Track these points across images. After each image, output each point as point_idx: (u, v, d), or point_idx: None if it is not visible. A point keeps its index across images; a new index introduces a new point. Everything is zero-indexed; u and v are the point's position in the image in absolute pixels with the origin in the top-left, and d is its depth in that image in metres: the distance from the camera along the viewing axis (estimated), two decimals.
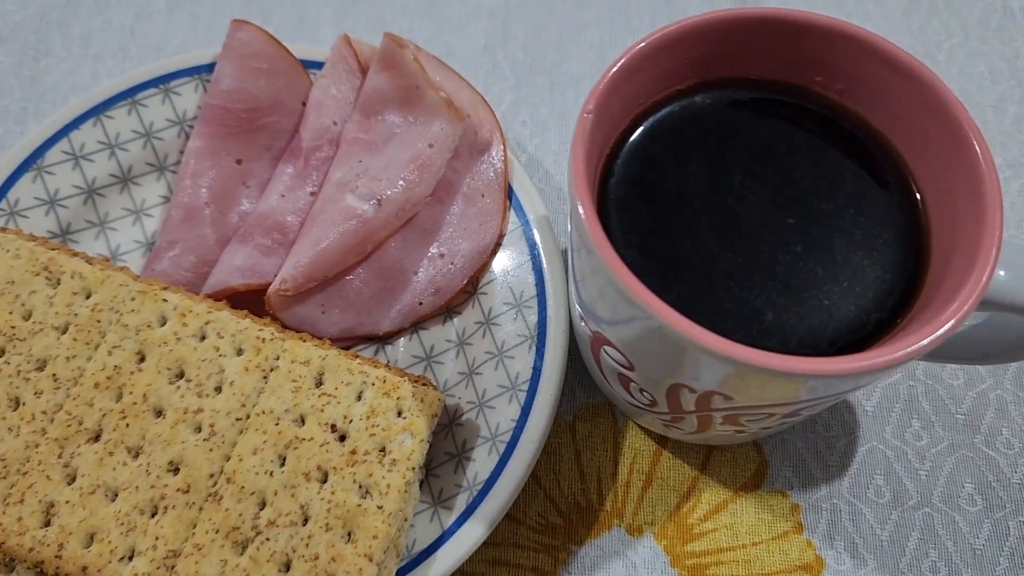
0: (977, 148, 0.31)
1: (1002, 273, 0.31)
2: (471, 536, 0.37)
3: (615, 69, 0.33)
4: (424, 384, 0.38)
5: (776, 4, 0.57)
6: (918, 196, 0.34)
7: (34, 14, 0.58)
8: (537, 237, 0.44)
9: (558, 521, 0.42)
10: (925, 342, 0.28)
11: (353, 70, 0.48)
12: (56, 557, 0.34)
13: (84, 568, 0.34)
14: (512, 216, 0.45)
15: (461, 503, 0.38)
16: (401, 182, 0.43)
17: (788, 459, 0.43)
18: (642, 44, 0.33)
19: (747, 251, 0.33)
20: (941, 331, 0.28)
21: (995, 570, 0.41)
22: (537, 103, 0.55)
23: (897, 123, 0.35)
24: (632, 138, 0.35)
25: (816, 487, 0.43)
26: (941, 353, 0.38)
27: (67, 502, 0.35)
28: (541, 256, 0.44)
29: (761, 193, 0.34)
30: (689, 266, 0.33)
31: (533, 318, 0.42)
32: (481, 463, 0.39)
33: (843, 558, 0.41)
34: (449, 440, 0.41)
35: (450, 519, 0.38)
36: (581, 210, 0.30)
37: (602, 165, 0.35)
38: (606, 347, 0.35)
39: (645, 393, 0.36)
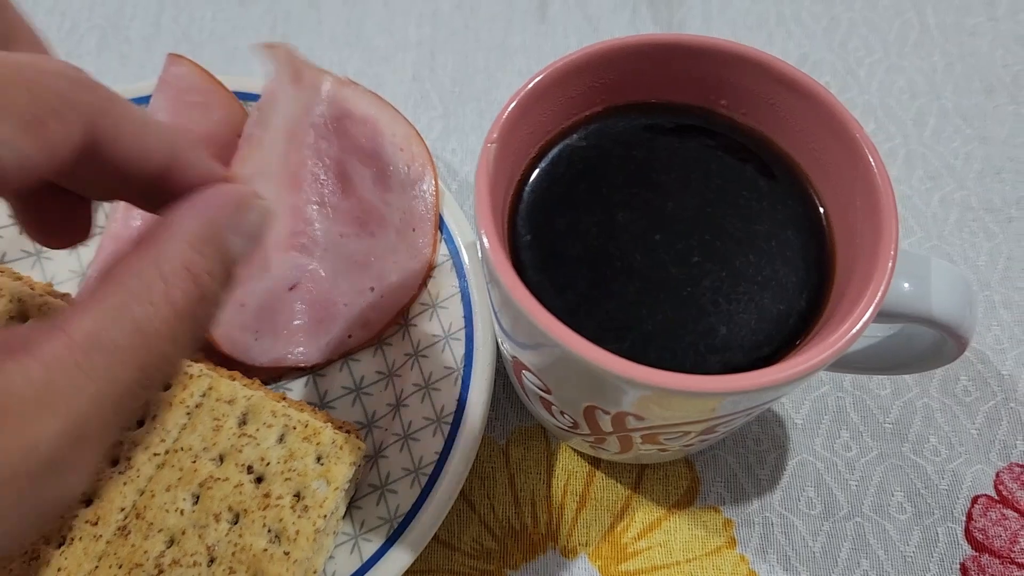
0: (872, 162, 0.32)
1: (906, 285, 0.32)
2: (391, 568, 0.38)
3: (517, 99, 0.33)
4: (347, 431, 0.39)
5: (701, 26, 0.59)
6: (822, 211, 0.35)
7: None
8: (467, 267, 0.45)
9: (493, 546, 0.42)
10: (819, 359, 0.28)
11: None
12: None
13: None
14: (443, 247, 0.46)
15: (382, 535, 0.38)
16: None
17: (720, 474, 0.44)
18: (543, 74, 0.34)
19: (658, 272, 0.33)
20: (834, 348, 0.28)
21: None
22: (467, 131, 0.55)
23: (799, 142, 0.35)
24: (541, 165, 0.36)
25: (748, 501, 0.43)
26: (855, 364, 0.39)
27: None
28: (470, 287, 0.44)
29: (670, 214, 0.35)
30: (599, 290, 0.33)
31: (460, 350, 0.42)
32: (403, 495, 0.39)
33: (776, 571, 0.42)
34: (373, 473, 0.41)
35: (370, 551, 0.38)
36: (485, 240, 0.30)
37: (512, 193, 0.35)
38: (525, 371, 0.36)
39: (566, 415, 0.37)
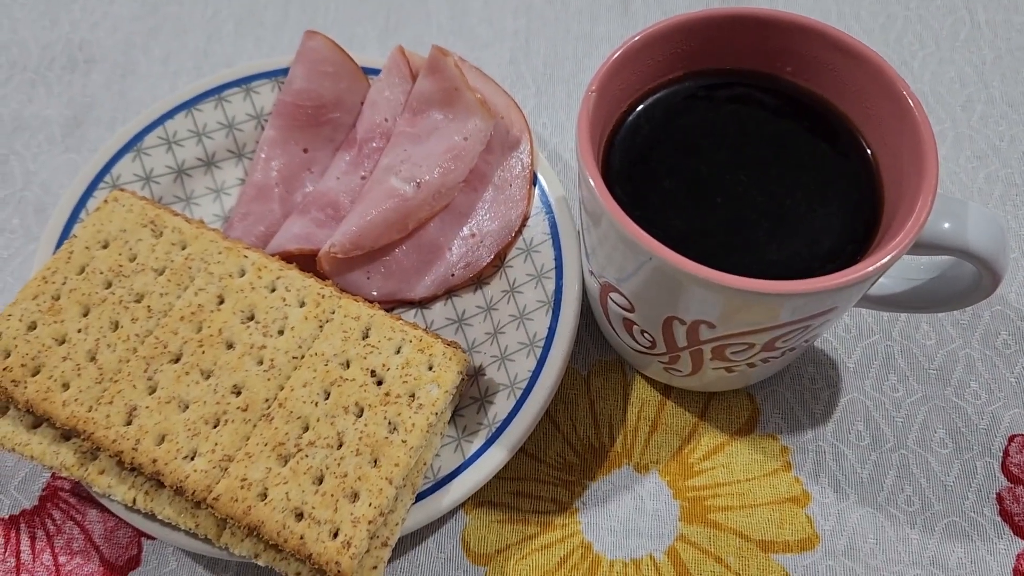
0: (917, 116, 0.37)
1: (946, 224, 0.37)
2: (488, 464, 0.44)
3: (614, 56, 0.40)
4: (454, 347, 0.45)
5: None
6: (872, 160, 0.40)
7: (122, 39, 0.67)
8: (557, 218, 0.51)
9: (574, 460, 0.48)
10: (861, 272, 0.34)
11: (405, 76, 0.56)
12: (133, 450, 0.41)
13: (154, 461, 0.40)
14: (536, 201, 0.52)
15: (481, 437, 0.45)
16: (438, 168, 0.51)
17: (778, 407, 0.49)
18: (636, 37, 0.40)
19: (733, 203, 0.39)
20: (877, 265, 0.34)
21: (964, 503, 0.46)
22: (556, 108, 0.62)
23: (854, 101, 0.41)
24: (630, 118, 0.42)
25: (803, 432, 0.48)
26: (906, 303, 0.44)
27: (147, 408, 0.42)
28: (560, 234, 0.50)
29: (742, 159, 0.41)
30: (681, 216, 0.39)
31: (551, 287, 0.49)
32: (500, 405, 0.46)
33: (827, 492, 0.47)
34: (474, 387, 0.47)
35: (471, 450, 0.45)
36: (591, 180, 0.36)
37: (606, 140, 0.42)
38: (612, 294, 0.42)
39: (646, 335, 0.43)
